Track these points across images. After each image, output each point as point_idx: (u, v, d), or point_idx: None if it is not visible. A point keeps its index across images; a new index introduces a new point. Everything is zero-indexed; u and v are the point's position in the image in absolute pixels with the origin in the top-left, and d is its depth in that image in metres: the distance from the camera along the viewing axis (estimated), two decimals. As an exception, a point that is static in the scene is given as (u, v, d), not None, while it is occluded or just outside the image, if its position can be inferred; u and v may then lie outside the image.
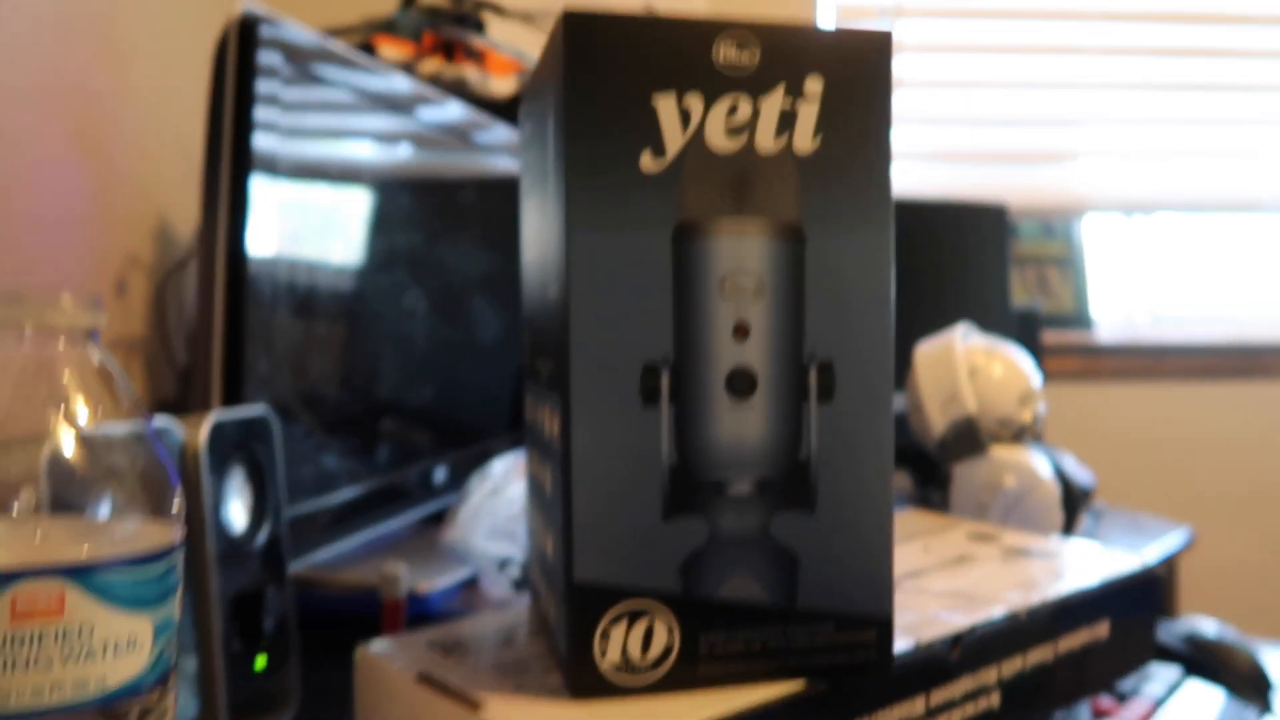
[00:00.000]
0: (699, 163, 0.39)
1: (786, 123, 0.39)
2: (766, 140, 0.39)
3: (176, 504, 0.29)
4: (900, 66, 1.61)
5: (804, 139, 0.40)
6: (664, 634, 0.40)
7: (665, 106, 0.38)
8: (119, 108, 0.89)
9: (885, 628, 0.42)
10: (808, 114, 0.40)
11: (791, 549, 0.41)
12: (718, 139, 0.39)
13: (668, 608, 0.40)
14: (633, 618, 0.40)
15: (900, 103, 1.43)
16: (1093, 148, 1.68)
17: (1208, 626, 0.75)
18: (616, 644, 0.40)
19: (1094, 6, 1.66)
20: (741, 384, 0.39)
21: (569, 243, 0.38)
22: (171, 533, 0.28)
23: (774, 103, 0.39)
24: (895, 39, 0.40)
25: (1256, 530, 1.61)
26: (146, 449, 0.29)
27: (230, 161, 0.61)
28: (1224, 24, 1.67)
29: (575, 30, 0.38)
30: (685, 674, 0.40)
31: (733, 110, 0.39)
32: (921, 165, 1.65)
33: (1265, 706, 0.66)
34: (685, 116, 0.38)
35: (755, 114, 0.39)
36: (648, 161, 0.38)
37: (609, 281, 0.38)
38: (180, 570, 0.29)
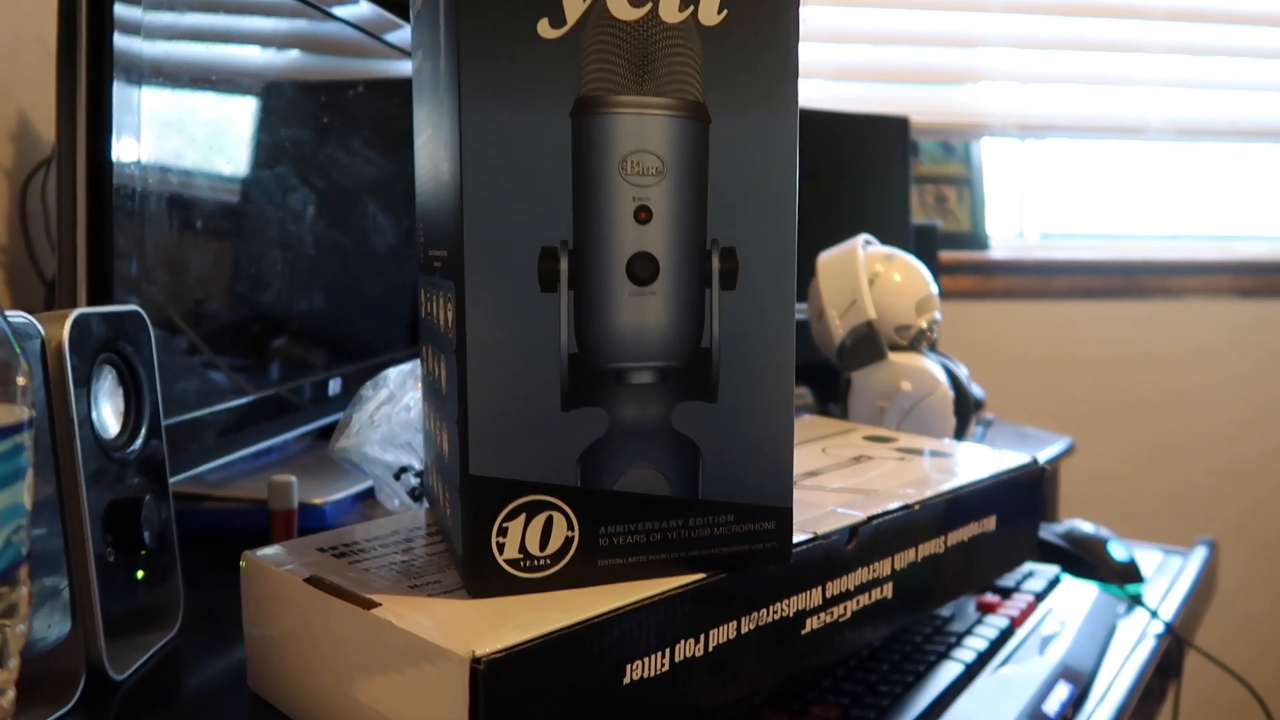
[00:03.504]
0: (600, 32, 0.37)
1: (691, -8, 0.38)
2: (671, 10, 0.37)
3: (22, 383, 0.26)
4: (806, -19, 1.59)
5: (709, 11, 0.38)
6: (563, 528, 0.39)
7: (563, -31, 0.36)
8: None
9: (785, 517, 0.42)
10: (713, -17, 0.38)
11: (693, 439, 0.40)
12: (620, 7, 0.37)
13: (566, 501, 0.39)
14: (531, 512, 0.39)
15: (805, 19, 1.42)
16: (993, 70, 1.70)
17: (1085, 527, 0.78)
18: (515, 539, 0.39)
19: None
20: (643, 269, 0.38)
21: (462, 110, 0.36)
22: (14, 412, 0.26)
23: (678, -30, 0.37)
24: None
25: (1131, 440, 1.70)
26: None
27: (87, 67, 0.56)
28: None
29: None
30: (585, 568, 0.40)
31: (635, -24, 0.37)
32: (825, 83, 1.64)
33: (1135, 599, 0.70)
34: (585, -19, 0.36)
35: (659, -20, 0.37)
36: (546, 28, 0.36)
37: (504, 156, 0.36)
38: (30, 455, 0.26)
